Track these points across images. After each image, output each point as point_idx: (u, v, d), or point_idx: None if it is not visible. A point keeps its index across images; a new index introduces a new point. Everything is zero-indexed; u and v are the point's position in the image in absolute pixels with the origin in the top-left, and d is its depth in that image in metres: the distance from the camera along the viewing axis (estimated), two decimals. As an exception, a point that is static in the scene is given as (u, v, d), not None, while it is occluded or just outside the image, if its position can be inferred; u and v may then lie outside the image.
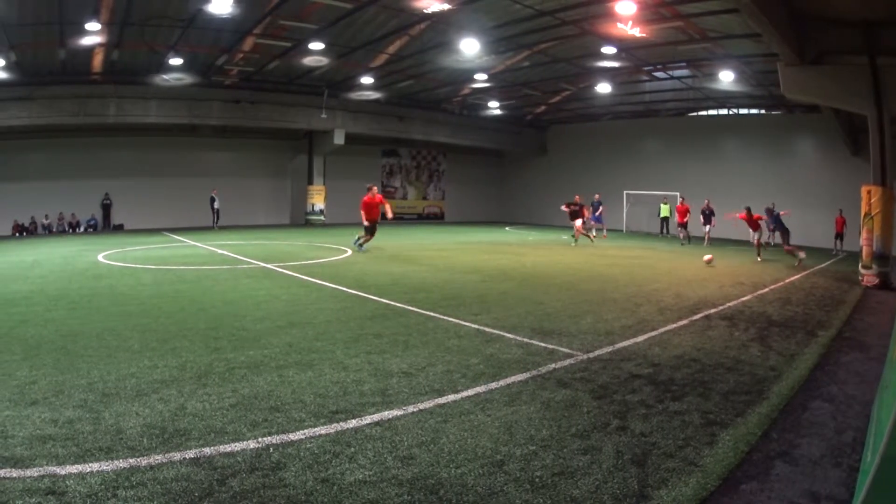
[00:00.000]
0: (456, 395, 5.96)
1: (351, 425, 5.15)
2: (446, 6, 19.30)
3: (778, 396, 6.25)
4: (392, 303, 10.90)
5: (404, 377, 6.49)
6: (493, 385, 6.31)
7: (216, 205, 31.54)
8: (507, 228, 36.79)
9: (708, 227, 28.43)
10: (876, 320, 11.14)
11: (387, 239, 24.71)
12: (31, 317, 9.22)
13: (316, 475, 4.24)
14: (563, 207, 26.69)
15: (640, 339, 8.70)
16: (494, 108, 38.04)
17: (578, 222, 25.89)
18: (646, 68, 27.15)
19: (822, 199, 28.83)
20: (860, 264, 16.37)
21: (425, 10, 19.82)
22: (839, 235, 25.99)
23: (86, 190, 31.12)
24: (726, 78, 25.40)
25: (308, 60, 26.06)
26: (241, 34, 22.33)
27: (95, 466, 4.25)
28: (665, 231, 33.81)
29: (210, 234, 27.60)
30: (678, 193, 32.49)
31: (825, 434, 5.32)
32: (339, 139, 34.64)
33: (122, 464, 4.31)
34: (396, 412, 5.47)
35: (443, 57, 25.15)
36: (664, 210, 33.25)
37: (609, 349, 7.99)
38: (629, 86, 31.49)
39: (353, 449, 4.67)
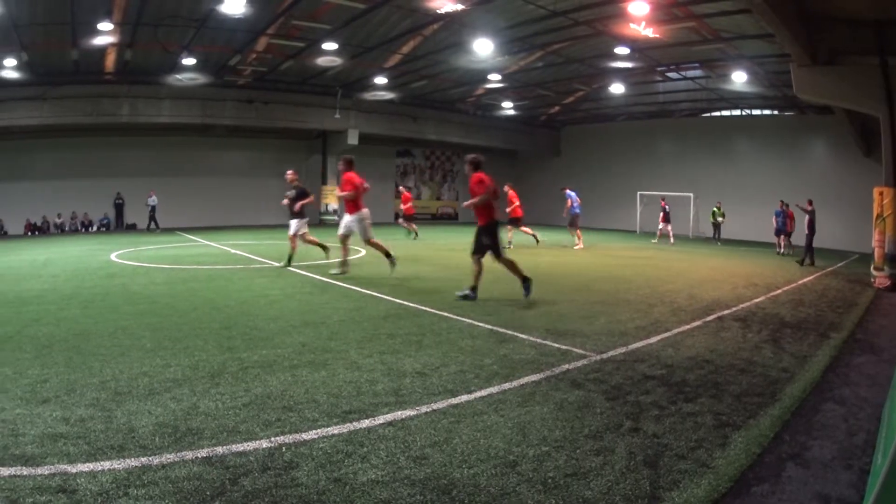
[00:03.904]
0: (469, 396, 5.95)
1: (364, 425, 5.14)
2: (459, 6, 19.31)
3: (790, 398, 6.21)
4: (405, 303, 10.91)
5: (418, 377, 6.49)
6: (507, 385, 6.30)
7: (153, 203, 30.85)
8: (521, 229, 36.72)
9: (663, 225, 29.55)
10: (888, 322, 11.07)
11: (400, 239, 24.72)
12: (44, 315, 9.28)
13: (328, 475, 4.23)
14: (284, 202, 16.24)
15: (654, 340, 8.67)
16: (508, 108, 38.01)
17: (294, 224, 15.76)
18: (659, 69, 27.13)
19: (834, 200, 28.70)
20: (872, 266, 16.29)
21: (438, 11, 19.84)
22: (789, 233, 25.00)
23: (98, 189, 31.32)
24: (739, 79, 25.35)
25: (321, 60, 26.11)
26: (254, 34, 22.40)
27: (107, 465, 4.26)
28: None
29: (155, 237, 27.10)
30: (691, 193, 32.55)
31: (836, 436, 5.29)
32: (352, 139, 34.69)
33: (133, 462, 4.31)
34: (409, 412, 5.46)
35: (456, 57, 25.17)
36: None
37: (622, 350, 7.96)
38: (642, 86, 31.46)
39: (365, 449, 4.67)
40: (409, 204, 29.66)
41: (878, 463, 3.97)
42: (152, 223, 30.68)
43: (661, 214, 29.88)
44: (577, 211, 24.91)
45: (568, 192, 24.97)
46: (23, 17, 18.56)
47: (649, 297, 12.42)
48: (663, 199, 30.62)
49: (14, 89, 25.30)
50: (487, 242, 11.34)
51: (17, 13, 18.16)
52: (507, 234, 22.52)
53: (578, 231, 25.03)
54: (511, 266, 11.39)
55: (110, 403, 5.45)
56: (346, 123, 34.36)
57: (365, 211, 14.06)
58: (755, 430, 5.28)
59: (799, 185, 30.34)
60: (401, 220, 28.64)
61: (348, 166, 14.03)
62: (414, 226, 28.20)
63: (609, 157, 40.68)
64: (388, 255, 14.06)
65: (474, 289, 11.40)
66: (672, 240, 29.58)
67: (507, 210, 22.64)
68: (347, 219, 14.20)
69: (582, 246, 24.25)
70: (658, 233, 29.96)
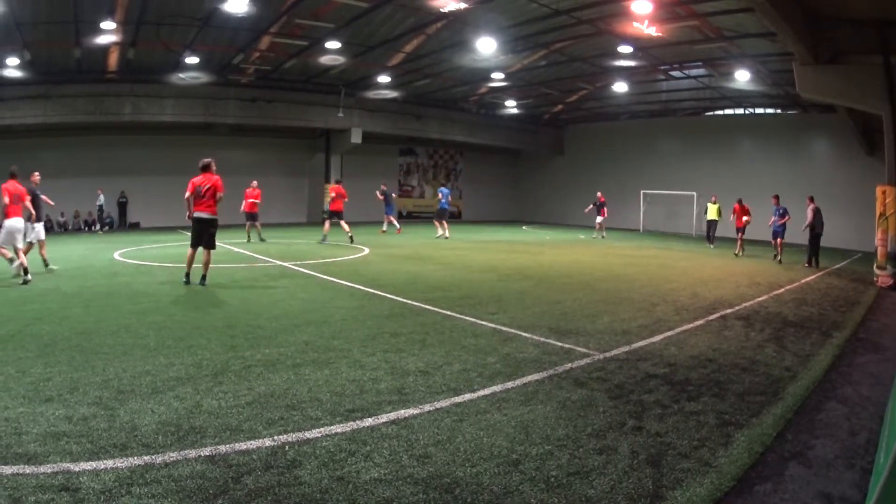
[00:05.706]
0: (472, 394, 5.96)
1: (367, 424, 5.15)
2: (462, 5, 19.24)
3: (793, 397, 6.22)
4: (409, 301, 10.91)
5: (421, 376, 6.49)
6: (510, 384, 6.31)
7: (100, 202, 30.45)
8: (524, 227, 36.75)
9: (599, 218, 31.33)
10: (890, 321, 11.07)
11: (404, 238, 24.74)
12: (46, 314, 9.28)
13: (331, 473, 4.24)
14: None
15: (657, 338, 8.68)
16: (511, 107, 37.86)
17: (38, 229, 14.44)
18: (662, 67, 27.03)
19: (837, 199, 28.62)
20: (874, 265, 16.28)
21: (442, 9, 19.78)
22: (740, 229, 23.46)
23: (102, 188, 31.28)
24: (742, 77, 25.28)
25: (324, 59, 26.06)
26: (257, 33, 22.35)
27: (110, 463, 4.27)
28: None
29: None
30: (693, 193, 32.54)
31: (839, 435, 5.30)
32: (356, 138, 34.63)
33: (136, 461, 4.32)
34: (413, 411, 5.47)
35: (459, 56, 25.10)
36: None
37: (625, 349, 7.97)
38: (646, 85, 31.36)
39: (368, 447, 4.68)
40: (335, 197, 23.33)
41: (880, 462, 3.96)
42: (101, 224, 30.48)
43: (601, 209, 31.23)
44: (446, 206, 27.55)
45: (442, 188, 28.06)
46: (25, 15, 18.53)
47: (652, 295, 12.42)
48: (601, 194, 31.88)
49: (17, 88, 25.27)
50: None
51: (20, 12, 18.12)
52: (325, 227, 22.85)
53: (442, 223, 27.08)
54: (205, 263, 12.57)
55: (113, 402, 5.46)
56: (350, 122, 34.26)
57: (8, 222, 12.68)
58: (758, 429, 5.29)
59: (801, 184, 30.26)
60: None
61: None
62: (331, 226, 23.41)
63: (612, 156, 40.68)
64: (26, 270, 12.48)
65: (187, 275, 12.53)
66: (603, 233, 31.26)
67: (328, 201, 23.85)
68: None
69: (443, 234, 26.34)
70: (598, 226, 31.40)
